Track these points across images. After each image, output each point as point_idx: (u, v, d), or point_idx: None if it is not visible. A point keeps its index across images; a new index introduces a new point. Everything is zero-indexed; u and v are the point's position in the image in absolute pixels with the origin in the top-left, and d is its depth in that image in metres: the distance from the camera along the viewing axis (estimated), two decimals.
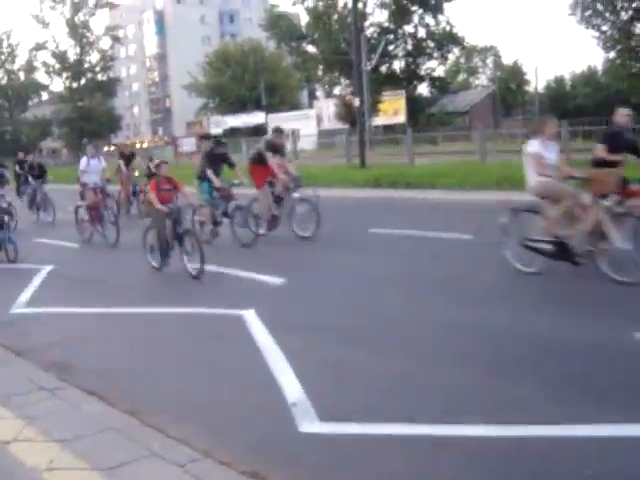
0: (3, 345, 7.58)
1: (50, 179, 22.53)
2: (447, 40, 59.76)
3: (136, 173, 20.81)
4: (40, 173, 22.02)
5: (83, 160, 17.09)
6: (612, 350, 6.24)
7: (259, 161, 13.87)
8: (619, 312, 7.47)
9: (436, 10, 56.85)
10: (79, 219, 16.07)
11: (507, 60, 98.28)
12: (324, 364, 6.45)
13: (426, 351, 6.67)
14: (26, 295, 10.32)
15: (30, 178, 21.97)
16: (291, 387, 5.80)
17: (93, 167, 16.76)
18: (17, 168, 27.49)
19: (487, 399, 5.38)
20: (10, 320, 8.95)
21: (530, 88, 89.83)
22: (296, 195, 13.38)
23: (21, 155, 28.56)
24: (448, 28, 58.82)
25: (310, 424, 5.12)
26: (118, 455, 4.54)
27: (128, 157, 21.49)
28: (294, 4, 53.57)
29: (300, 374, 6.04)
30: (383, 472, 4.40)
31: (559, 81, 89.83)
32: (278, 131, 14.77)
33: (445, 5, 57.57)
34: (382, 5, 55.21)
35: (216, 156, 14.00)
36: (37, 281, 11.38)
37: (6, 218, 13.75)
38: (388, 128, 57.54)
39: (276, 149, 13.95)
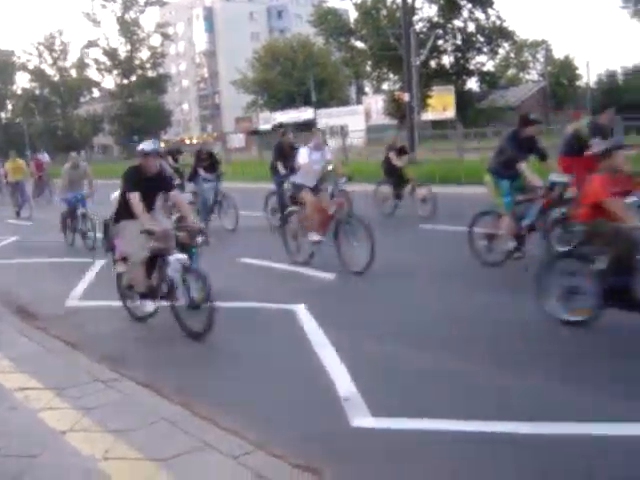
0: (58, 337, 7.71)
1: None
2: (497, 34, 59.17)
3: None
4: (213, 165, 16.51)
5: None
6: None
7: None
8: None
9: (486, 4, 56.29)
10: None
11: (558, 54, 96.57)
12: (375, 360, 6.44)
13: (478, 350, 6.60)
14: (81, 288, 10.51)
15: (202, 172, 16.19)
16: (343, 382, 5.80)
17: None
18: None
19: (536, 399, 5.33)
20: (65, 313, 9.11)
21: (581, 83, 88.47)
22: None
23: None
24: (498, 22, 58.25)
25: (362, 419, 5.12)
26: (172, 446, 4.58)
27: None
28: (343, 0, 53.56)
29: (351, 369, 6.05)
30: (435, 467, 4.38)
31: (611, 75, 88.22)
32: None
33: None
34: (431, 0, 54.82)
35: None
36: (91, 275, 11.55)
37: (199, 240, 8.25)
38: (437, 123, 57.19)
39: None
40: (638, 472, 4.21)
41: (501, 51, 71.45)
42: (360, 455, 4.62)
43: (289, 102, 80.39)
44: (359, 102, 77.78)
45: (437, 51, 57.12)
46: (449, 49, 59.89)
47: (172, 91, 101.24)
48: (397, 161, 15.78)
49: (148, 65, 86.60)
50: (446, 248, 11.75)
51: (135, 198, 7.66)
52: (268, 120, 78.85)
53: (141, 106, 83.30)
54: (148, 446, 4.61)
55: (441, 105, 59.40)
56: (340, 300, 8.89)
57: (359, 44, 58.56)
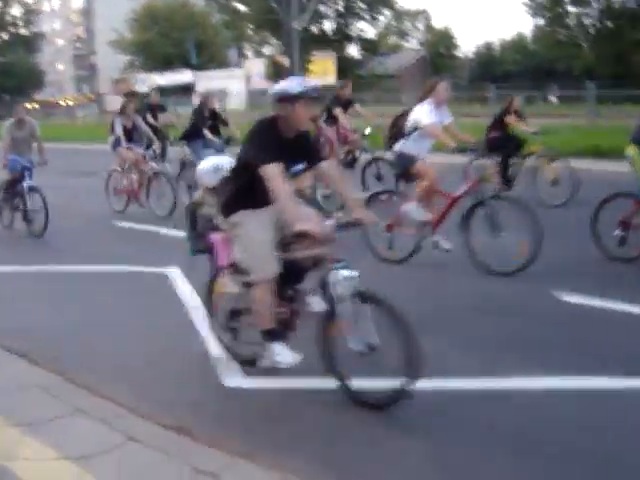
0: None
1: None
2: (377, 2, 59.73)
3: None
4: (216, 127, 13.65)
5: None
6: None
7: None
8: None
9: None
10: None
11: (437, 24, 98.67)
12: None
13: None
14: None
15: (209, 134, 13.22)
16: (215, 344, 5.84)
17: None
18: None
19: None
20: None
21: (460, 53, 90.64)
22: None
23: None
24: None
25: (234, 379, 5.21)
26: (41, 412, 4.54)
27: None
28: None
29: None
30: (304, 425, 4.52)
31: (488, 47, 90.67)
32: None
33: None
34: None
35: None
36: None
37: None
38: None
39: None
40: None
41: (382, 19, 72.09)
42: (231, 414, 4.72)
43: (168, 64, 78.84)
44: (240, 66, 77.11)
45: (319, 16, 57.14)
46: (331, 15, 60.07)
47: (46, 50, 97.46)
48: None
49: (21, 23, 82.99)
50: None
51: (275, 173, 4.66)
52: (145, 82, 77.15)
53: (13, 65, 79.89)
54: (16, 412, 4.54)
55: (322, 70, 59.59)
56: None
57: (240, 6, 57.93)
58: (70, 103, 76.97)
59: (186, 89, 64.07)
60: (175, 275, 8.14)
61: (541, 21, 55.15)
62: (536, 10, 51.88)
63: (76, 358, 5.81)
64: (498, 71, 77.33)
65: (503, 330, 6.11)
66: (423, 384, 4.49)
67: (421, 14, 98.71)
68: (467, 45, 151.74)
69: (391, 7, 63.21)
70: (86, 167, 20.78)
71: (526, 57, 78.00)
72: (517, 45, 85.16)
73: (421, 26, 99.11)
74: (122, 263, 8.92)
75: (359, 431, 4.40)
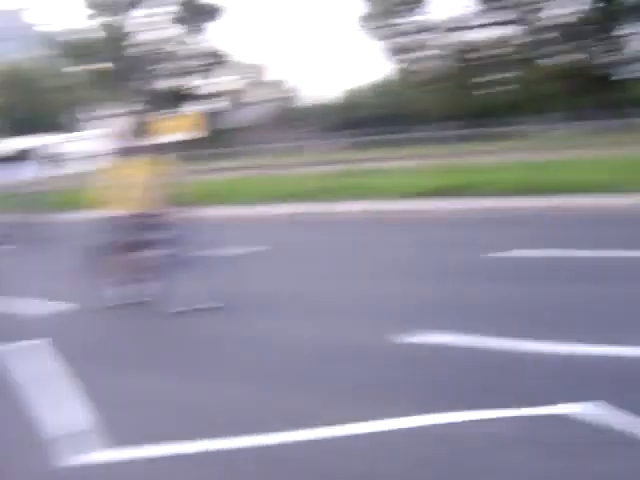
0: None
1: None
2: (211, 58, 60.30)
3: None
4: None
5: None
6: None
7: None
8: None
9: (197, 30, 57.37)
10: None
11: (282, 76, 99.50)
12: (122, 390, 6.20)
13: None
14: None
15: None
16: (78, 415, 5.48)
17: None
18: None
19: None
20: None
21: (314, 102, 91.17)
22: None
23: None
24: (211, 46, 59.49)
25: (92, 451, 4.84)
26: None
27: None
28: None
29: (94, 402, 5.75)
30: None
31: (353, 93, 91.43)
32: None
33: (209, 24, 58.09)
34: (146, 25, 54.84)
35: None
36: None
37: None
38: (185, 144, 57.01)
39: None
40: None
41: (221, 73, 72.58)
42: None
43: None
44: (80, 128, 75.25)
45: (155, 76, 57.08)
46: (165, 73, 60.11)
47: None
48: None
49: None
50: None
51: None
52: None
53: None
54: None
55: (180, 127, 59.20)
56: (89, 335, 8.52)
57: (75, 68, 57.14)
58: None
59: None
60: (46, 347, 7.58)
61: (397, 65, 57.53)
62: (391, 54, 54.34)
63: None
64: (356, 116, 78.20)
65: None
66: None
67: (265, 68, 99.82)
68: (320, 94, 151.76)
69: (224, 62, 63.95)
70: None
71: (390, 100, 78.85)
72: (383, 88, 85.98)
73: (268, 80, 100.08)
74: None
75: None
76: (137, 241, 9.30)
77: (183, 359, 7.11)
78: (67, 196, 22.44)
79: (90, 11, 51.25)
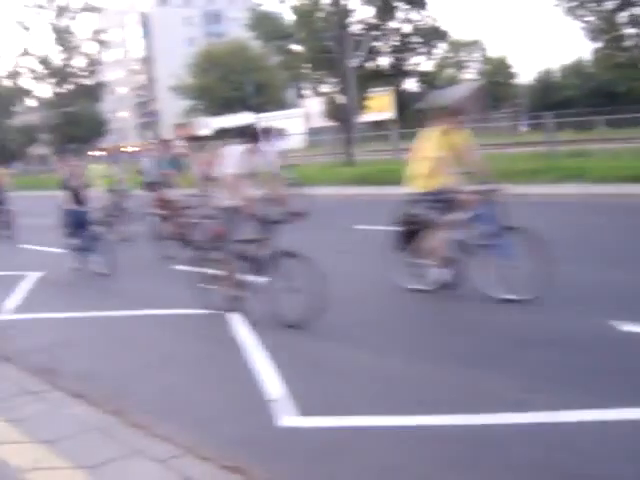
0: None
1: None
2: (432, 35, 59.80)
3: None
4: None
5: None
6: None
7: None
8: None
9: (419, 5, 56.92)
10: None
11: (494, 54, 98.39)
12: (305, 360, 6.55)
13: (408, 347, 6.76)
14: (13, 301, 10.41)
15: None
16: (271, 383, 5.90)
17: None
18: None
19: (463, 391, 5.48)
20: None
21: (519, 81, 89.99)
22: None
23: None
24: (432, 23, 58.90)
25: (290, 418, 5.21)
26: (101, 453, 4.61)
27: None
28: (280, 3, 53.49)
29: (281, 370, 6.18)
30: (362, 464, 4.48)
31: (547, 73, 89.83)
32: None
33: (429, 0, 57.75)
34: (367, 1, 55.20)
35: None
36: (25, 287, 11.44)
37: None
38: (377, 125, 57.58)
39: None
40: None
41: (438, 51, 72.16)
42: (287, 454, 4.70)
43: (228, 107, 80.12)
44: (298, 106, 77.95)
45: (374, 53, 57.48)
46: (386, 50, 60.35)
47: (109, 99, 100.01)
48: None
49: (84, 73, 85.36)
50: None
51: None
52: (207, 125, 78.49)
53: (78, 115, 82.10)
54: (78, 454, 4.63)
55: (380, 106, 59.86)
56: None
57: (296, 47, 58.62)
58: (133, 149, 78.46)
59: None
60: (231, 317, 8.20)
61: (600, 44, 54.44)
62: (594, 34, 51.28)
63: (133, 399, 5.90)
64: (558, 97, 76.42)
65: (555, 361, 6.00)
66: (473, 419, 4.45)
67: (476, 45, 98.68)
68: (527, 73, 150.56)
69: (445, 39, 63.15)
70: None
71: (586, 81, 76.88)
72: (577, 70, 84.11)
73: (477, 56, 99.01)
74: (179, 306, 9.02)
75: (421, 470, 4.37)
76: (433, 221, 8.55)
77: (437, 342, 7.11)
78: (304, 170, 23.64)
79: None
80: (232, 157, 8.09)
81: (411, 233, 8.71)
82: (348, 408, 5.29)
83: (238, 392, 5.92)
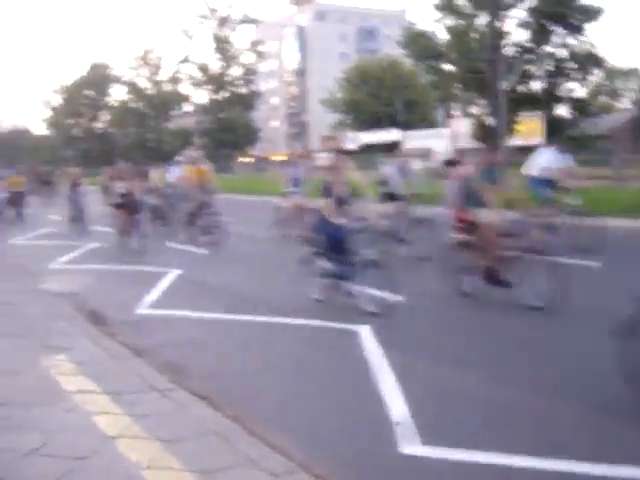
0: (124, 343, 7.85)
1: None
2: (588, 61, 58.04)
3: None
4: None
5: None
6: None
7: None
8: None
9: (578, 30, 55.36)
10: None
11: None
12: (435, 386, 6.35)
13: (543, 381, 6.45)
14: (152, 297, 10.72)
15: None
16: (397, 406, 5.74)
17: None
18: None
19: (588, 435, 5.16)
20: (134, 320, 9.29)
21: None
22: None
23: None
24: (589, 49, 57.16)
25: (411, 446, 5.04)
26: (216, 459, 4.60)
27: None
28: (434, 22, 53.36)
29: (408, 394, 6.00)
30: None
31: None
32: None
33: (587, 25, 56.00)
34: (522, 25, 54.23)
35: None
36: (164, 284, 11.77)
37: None
38: (524, 149, 56.38)
39: None
40: None
41: (593, 78, 69.94)
42: None
43: (376, 123, 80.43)
44: (446, 125, 77.33)
45: (527, 76, 56.36)
46: (539, 74, 59.05)
47: (261, 108, 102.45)
48: None
49: (240, 81, 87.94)
50: None
51: None
52: (354, 140, 79.04)
53: (231, 121, 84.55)
54: (192, 458, 4.63)
55: (528, 131, 58.54)
56: (406, 323, 8.77)
57: (448, 67, 58.24)
58: (281, 159, 79.94)
59: (392, 147, 64.93)
60: (365, 333, 8.11)
61: None
62: None
63: (254, 406, 5.90)
64: None
65: None
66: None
67: (633, 73, 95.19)
68: None
69: (602, 66, 61.11)
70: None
71: None
72: None
73: (633, 86, 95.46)
74: (312, 317, 9.01)
75: None
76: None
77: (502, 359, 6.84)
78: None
79: (463, 10, 51.92)
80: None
81: None
82: (473, 441, 5.06)
83: (360, 410, 5.81)
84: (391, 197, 14.14)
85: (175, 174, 21.31)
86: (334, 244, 9.56)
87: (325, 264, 9.75)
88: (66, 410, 5.57)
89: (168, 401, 5.79)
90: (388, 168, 15.04)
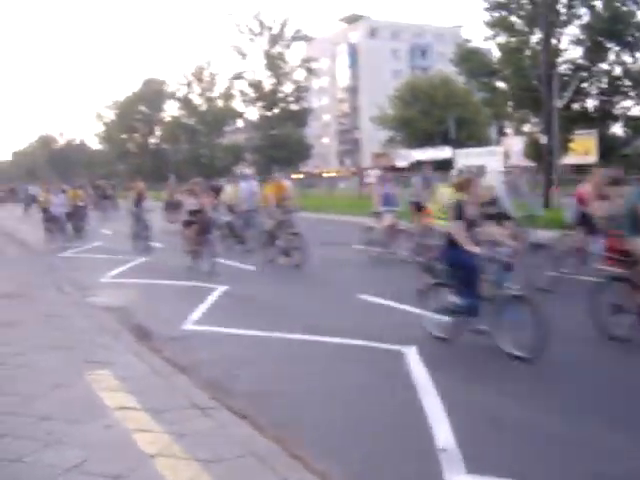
0: (168, 359, 7.83)
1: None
2: None
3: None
4: None
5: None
6: None
7: None
8: None
9: (634, 47, 54.53)
10: None
11: None
12: (481, 412, 6.18)
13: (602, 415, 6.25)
14: (198, 313, 10.71)
15: None
16: (442, 432, 5.58)
17: None
18: None
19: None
20: (179, 336, 9.26)
21: None
22: None
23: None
24: None
25: (456, 475, 4.88)
26: None
27: None
28: (485, 40, 53.00)
29: (454, 420, 5.83)
30: None
31: None
32: None
33: None
34: (577, 42, 53.63)
35: None
36: (210, 300, 11.76)
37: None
38: (579, 168, 55.49)
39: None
40: None
41: None
42: None
43: (427, 140, 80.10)
44: (498, 143, 76.67)
45: (581, 94, 55.67)
46: (593, 92, 58.28)
47: (313, 125, 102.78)
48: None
49: (291, 98, 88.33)
50: None
51: None
52: (406, 157, 78.78)
53: (283, 138, 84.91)
54: (230, 479, 4.55)
55: (582, 149, 57.70)
56: (452, 345, 8.58)
57: (500, 84, 57.80)
58: (332, 175, 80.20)
59: (445, 164, 64.57)
60: (411, 355, 7.96)
61: None
62: None
63: (295, 428, 5.80)
64: None
65: None
66: None
67: None
68: None
69: None
70: (338, 237, 21.35)
71: None
72: None
73: None
74: (358, 337, 8.88)
75: None
76: None
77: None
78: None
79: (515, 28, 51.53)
80: None
81: None
82: (520, 474, 4.87)
83: (404, 435, 5.67)
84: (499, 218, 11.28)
85: (244, 190, 20.53)
86: (467, 275, 8.28)
87: (453, 298, 8.48)
88: (106, 426, 5.54)
89: (210, 420, 5.72)
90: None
